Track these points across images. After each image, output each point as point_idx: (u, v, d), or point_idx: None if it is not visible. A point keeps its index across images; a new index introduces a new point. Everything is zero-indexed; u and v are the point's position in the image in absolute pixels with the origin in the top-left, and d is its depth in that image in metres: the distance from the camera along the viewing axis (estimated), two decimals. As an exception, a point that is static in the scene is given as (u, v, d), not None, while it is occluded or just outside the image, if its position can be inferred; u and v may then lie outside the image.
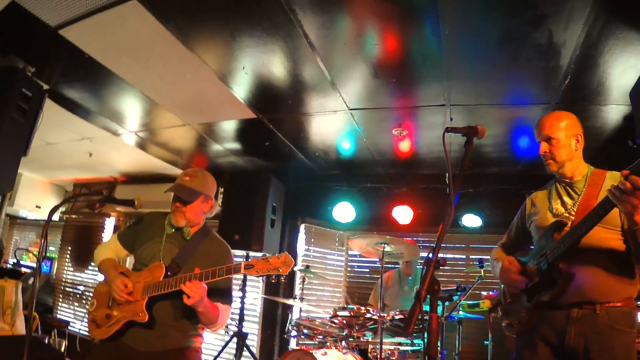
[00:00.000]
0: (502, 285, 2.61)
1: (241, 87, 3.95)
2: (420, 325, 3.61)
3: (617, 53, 2.88)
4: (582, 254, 2.16)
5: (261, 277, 2.51)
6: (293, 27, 2.99)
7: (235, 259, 2.80)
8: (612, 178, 2.32)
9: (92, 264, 7.36)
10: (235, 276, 2.65)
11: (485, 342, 4.36)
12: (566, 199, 2.41)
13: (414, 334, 3.99)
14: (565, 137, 2.37)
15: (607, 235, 2.20)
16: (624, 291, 2.18)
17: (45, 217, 2.68)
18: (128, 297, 2.58)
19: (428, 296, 1.70)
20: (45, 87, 4.04)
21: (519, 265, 2.42)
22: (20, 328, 3.92)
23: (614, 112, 3.68)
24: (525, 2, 2.57)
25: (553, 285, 2.18)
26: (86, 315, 2.81)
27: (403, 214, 5.95)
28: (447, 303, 4.22)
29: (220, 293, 2.69)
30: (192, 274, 2.47)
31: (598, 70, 3.12)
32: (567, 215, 2.34)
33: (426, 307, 1.70)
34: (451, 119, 4.09)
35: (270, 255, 2.46)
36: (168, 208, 2.87)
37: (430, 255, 1.78)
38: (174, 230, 2.82)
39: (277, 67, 3.56)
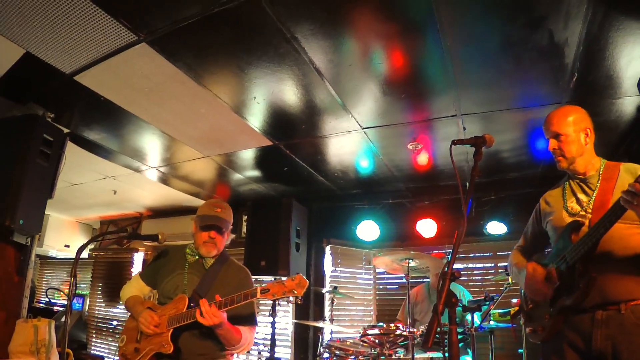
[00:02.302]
0: (522, 291, 2.54)
1: (255, 117, 4.04)
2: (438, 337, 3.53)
3: (621, 45, 2.87)
4: (602, 253, 2.10)
5: (278, 300, 2.57)
6: (298, 54, 3.07)
7: (262, 283, 2.84)
8: (626, 170, 2.27)
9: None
10: (264, 302, 2.69)
11: (520, 350, 4.27)
12: (581, 195, 2.35)
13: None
14: (574, 132, 2.33)
15: (628, 231, 2.12)
16: None
17: (74, 256, 2.80)
18: (156, 330, 2.64)
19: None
20: (66, 131, 4.20)
21: (543, 271, 2.33)
22: (55, 365, 4.02)
23: (626, 104, 3.63)
24: (521, 6, 2.59)
25: (575, 289, 2.12)
26: (117, 351, 2.88)
27: (427, 227, 5.90)
28: (477, 314, 4.16)
29: (243, 316, 2.75)
30: (212, 302, 2.53)
31: (604, 64, 3.09)
32: (583, 213, 2.27)
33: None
34: (464, 129, 4.09)
35: (285, 279, 2.52)
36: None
37: (446, 268, 1.78)
38: (196, 257, 2.89)
39: (287, 95, 3.65)
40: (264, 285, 2.56)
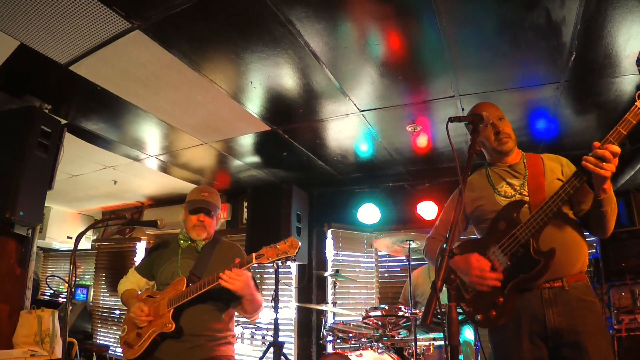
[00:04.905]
0: (459, 281, 2.41)
1: (252, 102, 4.03)
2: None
3: (619, 22, 2.84)
4: (545, 230, 2.16)
5: (274, 263, 2.63)
6: (293, 38, 3.05)
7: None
8: (548, 158, 2.40)
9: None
10: (267, 287, 2.71)
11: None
12: (512, 180, 2.40)
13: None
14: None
15: (563, 209, 2.19)
16: (582, 263, 2.21)
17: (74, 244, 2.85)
18: (148, 319, 2.69)
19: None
20: (64, 122, 4.21)
21: (487, 262, 2.25)
22: (59, 354, 4.06)
23: (626, 82, 3.60)
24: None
25: (532, 264, 2.12)
26: (119, 341, 2.93)
27: (428, 209, 5.90)
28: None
29: None
30: (231, 266, 2.58)
31: (602, 42, 3.06)
32: (519, 196, 2.32)
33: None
34: (463, 109, 4.08)
35: (278, 243, 2.61)
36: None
37: (444, 245, 1.79)
38: (188, 242, 2.97)
39: (284, 79, 3.63)
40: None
